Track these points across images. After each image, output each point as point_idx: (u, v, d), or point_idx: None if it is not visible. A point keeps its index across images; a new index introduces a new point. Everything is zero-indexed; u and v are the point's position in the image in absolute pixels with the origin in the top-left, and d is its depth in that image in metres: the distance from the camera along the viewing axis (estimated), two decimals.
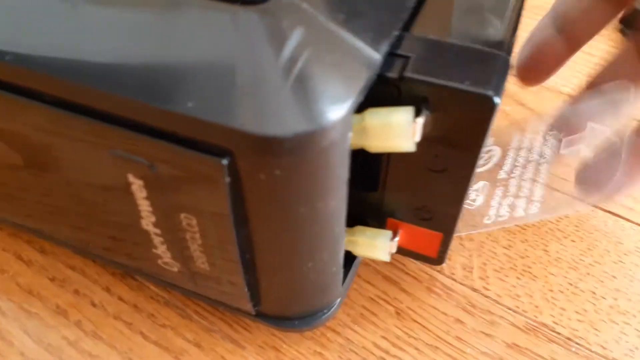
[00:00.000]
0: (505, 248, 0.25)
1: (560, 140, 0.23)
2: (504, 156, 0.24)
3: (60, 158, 0.17)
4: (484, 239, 0.26)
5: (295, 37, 0.13)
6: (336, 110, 0.13)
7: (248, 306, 0.20)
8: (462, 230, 0.22)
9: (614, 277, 0.24)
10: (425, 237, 0.20)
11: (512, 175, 0.24)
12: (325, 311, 0.21)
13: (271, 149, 0.13)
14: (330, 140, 0.13)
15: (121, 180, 0.16)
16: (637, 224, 0.26)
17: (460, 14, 0.17)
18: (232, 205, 0.15)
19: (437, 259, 0.21)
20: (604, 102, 0.21)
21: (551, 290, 0.24)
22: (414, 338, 0.23)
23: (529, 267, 0.25)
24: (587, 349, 0.22)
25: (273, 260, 0.17)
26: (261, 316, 0.21)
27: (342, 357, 0.22)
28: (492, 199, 0.23)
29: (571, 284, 0.24)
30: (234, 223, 0.15)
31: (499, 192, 0.23)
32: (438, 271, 0.25)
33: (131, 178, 0.16)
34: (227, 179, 0.14)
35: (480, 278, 0.24)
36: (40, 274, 0.25)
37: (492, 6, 0.17)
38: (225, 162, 0.13)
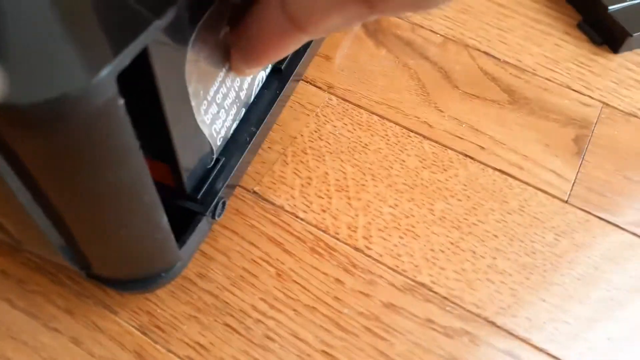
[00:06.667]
0: (392, 207, 0.25)
1: None
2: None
3: None
4: (371, 198, 0.25)
5: None
6: (86, 74, 0.12)
7: (76, 267, 0.19)
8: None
9: (495, 236, 0.24)
10: (160, 169, 0.19)
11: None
12: (162, 275, 0.20)
13: (15, 119, 0.12)
14: (84, 107, 0.12)
15: None
16: (524, 182, 0.26)
17: None
18: (9, 171, 0.14)
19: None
20: None
21: (432, 250, 0.24)
22: (293, 299, 0.22)
23: (413, 227, 0.25)
24: (461, 307, 0.23)
25: (84, 227, 0.17)
26: (93, 277, 0.20)
27: (217, 320, 0.22)
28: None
29: (452, 244, 0.24)
30: (17, 189, 0.14)
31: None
32: (323, 231, 0.24)
33: None
34: None
35: (363, 237, 0.24)
36: None
37: None
38: None
